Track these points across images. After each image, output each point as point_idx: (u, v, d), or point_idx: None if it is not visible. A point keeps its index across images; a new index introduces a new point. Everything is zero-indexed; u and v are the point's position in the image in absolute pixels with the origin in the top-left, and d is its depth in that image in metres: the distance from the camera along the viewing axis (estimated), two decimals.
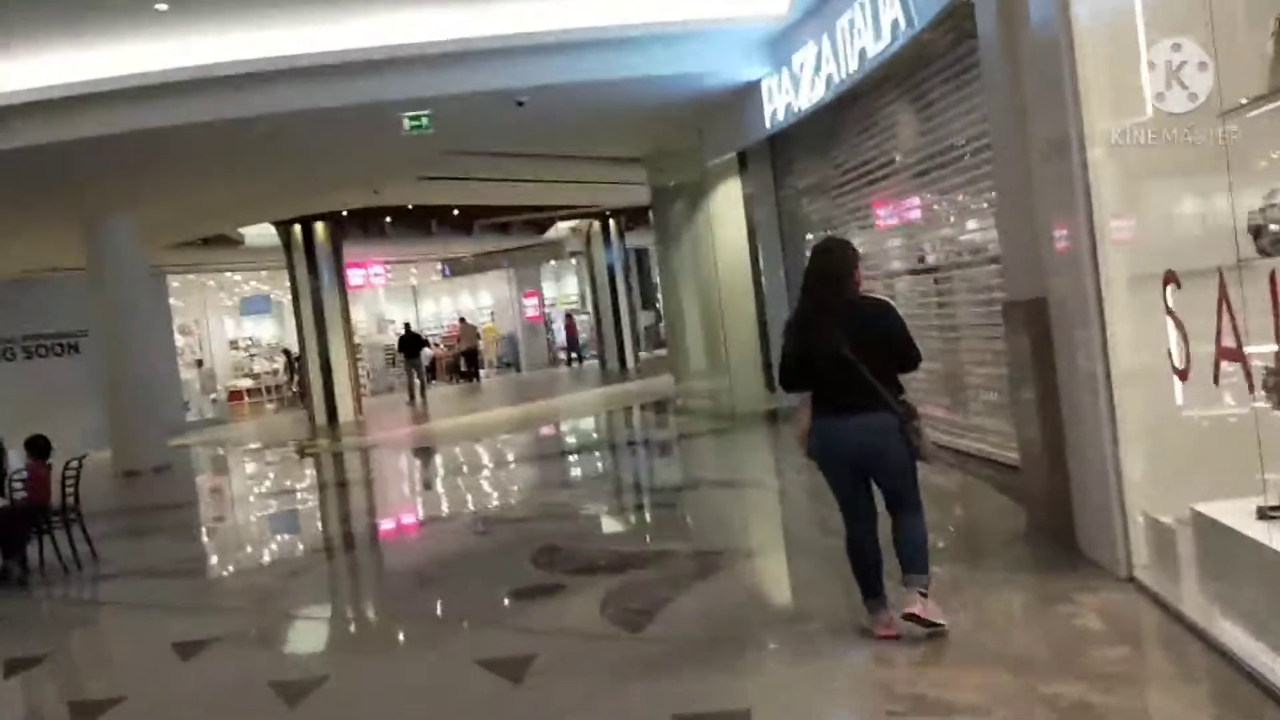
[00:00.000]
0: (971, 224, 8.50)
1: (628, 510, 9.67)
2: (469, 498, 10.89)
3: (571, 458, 13.26)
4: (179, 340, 28.14)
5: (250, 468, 16.71)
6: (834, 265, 4.65)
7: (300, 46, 9.88)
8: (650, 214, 17.75)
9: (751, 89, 11.51)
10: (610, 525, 8.74)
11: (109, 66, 9.85)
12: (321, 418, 20.86)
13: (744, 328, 14.77)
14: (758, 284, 14.24)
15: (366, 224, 23.27)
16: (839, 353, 4.41)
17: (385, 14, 9.80)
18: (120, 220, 15.26)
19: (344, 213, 19.82)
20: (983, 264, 8.30)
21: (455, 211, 21.44)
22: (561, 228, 28.12)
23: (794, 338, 4.63)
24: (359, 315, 34.12)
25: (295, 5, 9.51)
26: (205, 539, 10.51)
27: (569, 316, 32.14)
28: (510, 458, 13.80)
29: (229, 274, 28.43)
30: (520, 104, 10.95)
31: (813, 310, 4.60)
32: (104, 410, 16.07)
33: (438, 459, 14.76)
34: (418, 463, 14.83)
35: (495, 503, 10.37)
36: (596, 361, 28.54)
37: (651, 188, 16.85)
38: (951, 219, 8.88)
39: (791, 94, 10.55)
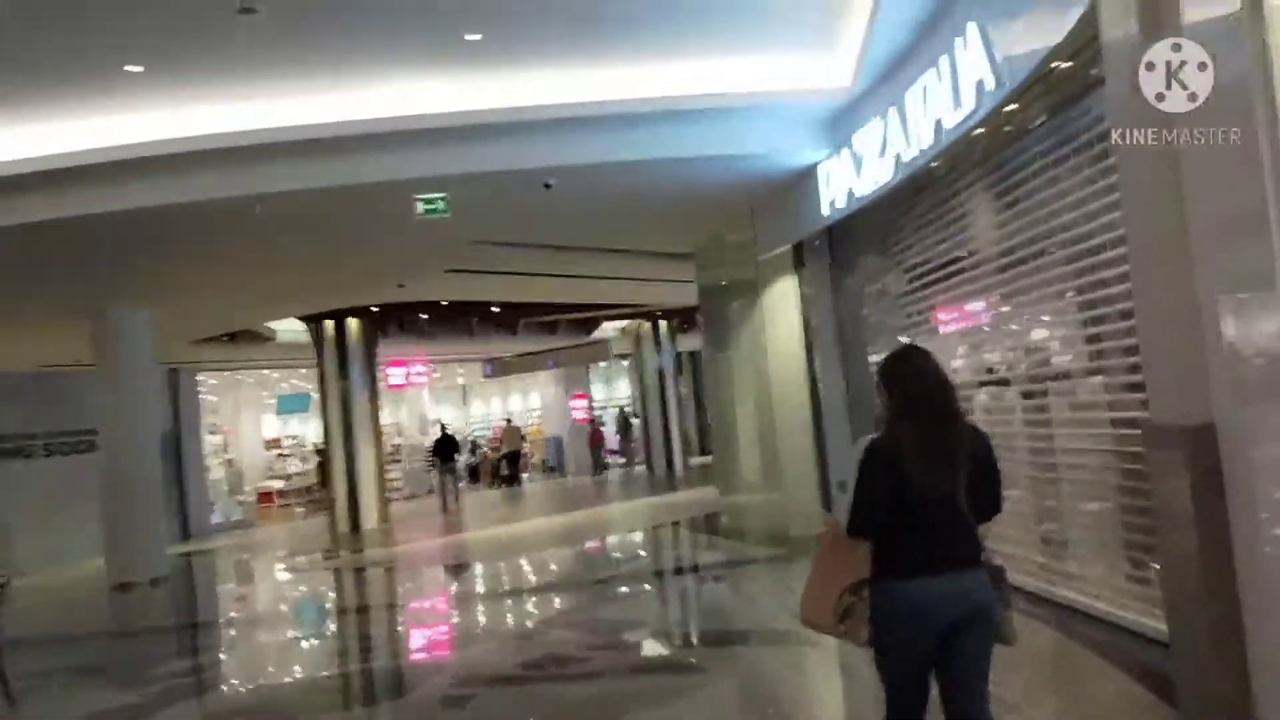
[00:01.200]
0: (1069, 331, 7.03)
1: (648, 673, 7.22)
2: (452, 650, 9.30)
3: (591, 592, 11.08)
4: (209, 440, 27.21)
5: (250, 586, 15.38)
6: (941, 378, 3.61)
7: (300, 118, 8.79)
8: (699, 314, 16.48)
9: (809, 173, 10.24)
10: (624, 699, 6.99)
11: (92, 138, 8.84)
12: (345, 524, 19.60)
13: (799, 440, 13.26)
14: (814, 393, 12.79)
15: (403, 321, 22.25)
16: (953, 494, 3.41)
17: (396, 83, 8.68)
18: (131, 314, 14.32)
19: (374, 309, 18.76)
20: (1082, 376, 6.83)
21: (495, 309, 20.32)
22: (609, 328, 26.95)
23: (886, 470, 3.43)
24: (401, 416, 33.24)
25: (296, 71, 8.43)
26: (156, 686, 8.02)
27: (593, 422, 30.64)
28: (522, 584, 12.28)
29: (266, 371, 27.52)
30: (548, 186, 9.76)
31: (923, 436, 3.45)
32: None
33: (442, 581, 13.33)
34: (421, 588, 13.36)
35: (486, 654, 8.68)
36: (644, 468, 27.08)
37: (700, 286, 15.60)
38: (1044, 324, 7.44)
39: (853, 177, 9.23)
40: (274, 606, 12.96)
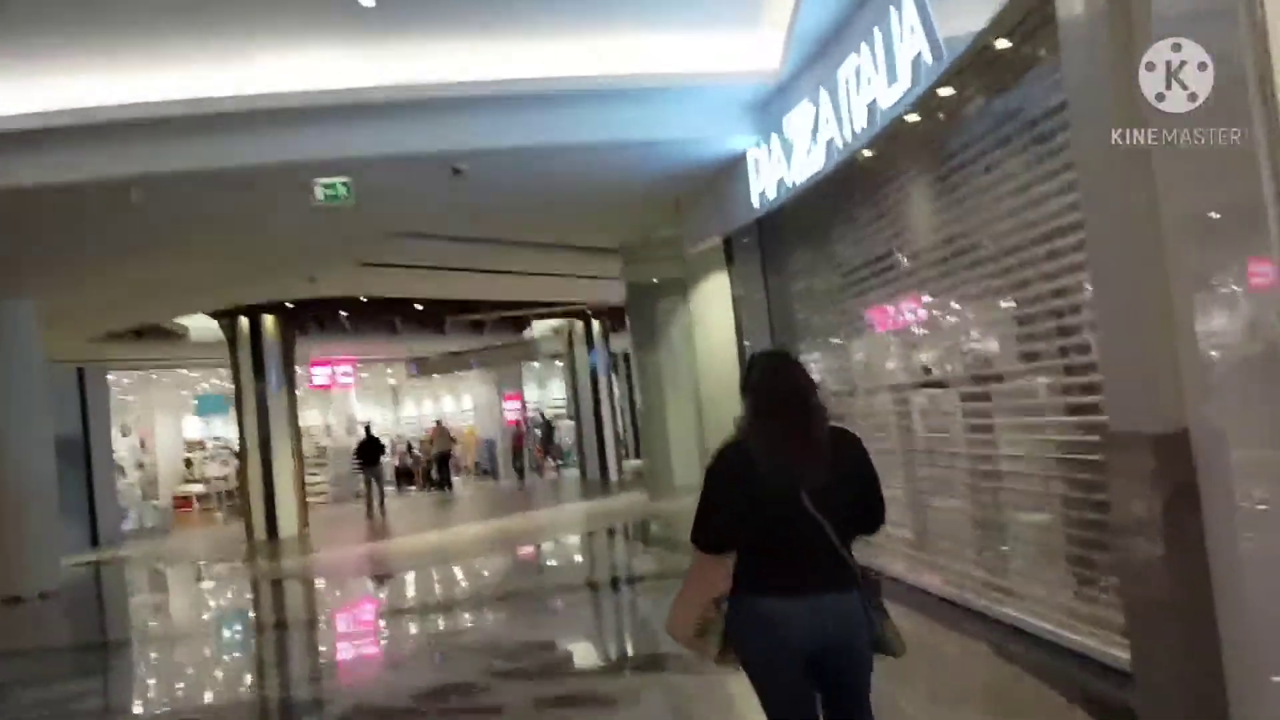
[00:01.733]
0: (1012, 329, 6.51)
1: (555, 707, 6.33)
2: (342, 676, 8.53)
3: (505, 609, 10.17)
4: (123, 442, 26.05)
5: (144, 600, 14.45)
6: (802, 380, 3.32)
7: (181, 91, 8.00)
8: (627, 313, 15.89)
9: (738, 162, 9.67)
10: None
11: None
12: (262, 531, 18.66)
13: None
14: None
15: (322, 319, 21.33)
16: (804, 504, 3.06)
17: (286, 55, 7.93)
18: (12, 305, 13.32)
19: (288, 305, 17.85)
20: (1026, 377, 6.31)
21: (419, 307, 19.48)
22: (541, 327, 26.22)
23: (733, 480, 3.14)
24: (328, 418, 32.22)
25: (176, 40, 7.65)
26: None
27: (517, 425, 29.87)
28: (432, 599, 11.53)
29: (184, 371, 26.37)
30: (457, 171, 9.07)
31: (772, 441, 3.14)
32: None
33: (351, 594, 12.58)
34: (327, 602, 12.55)
35: (379, 682, 7.94)
36: (578, 471, 26.39)
37: (627, 284, 15.05)
38: (985, 322, 6.92)
39: (783, 166, 8.66)
40: (163, 624, 12.11)
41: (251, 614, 12.11)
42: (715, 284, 13.06)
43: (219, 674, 8.89)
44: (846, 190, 8.46)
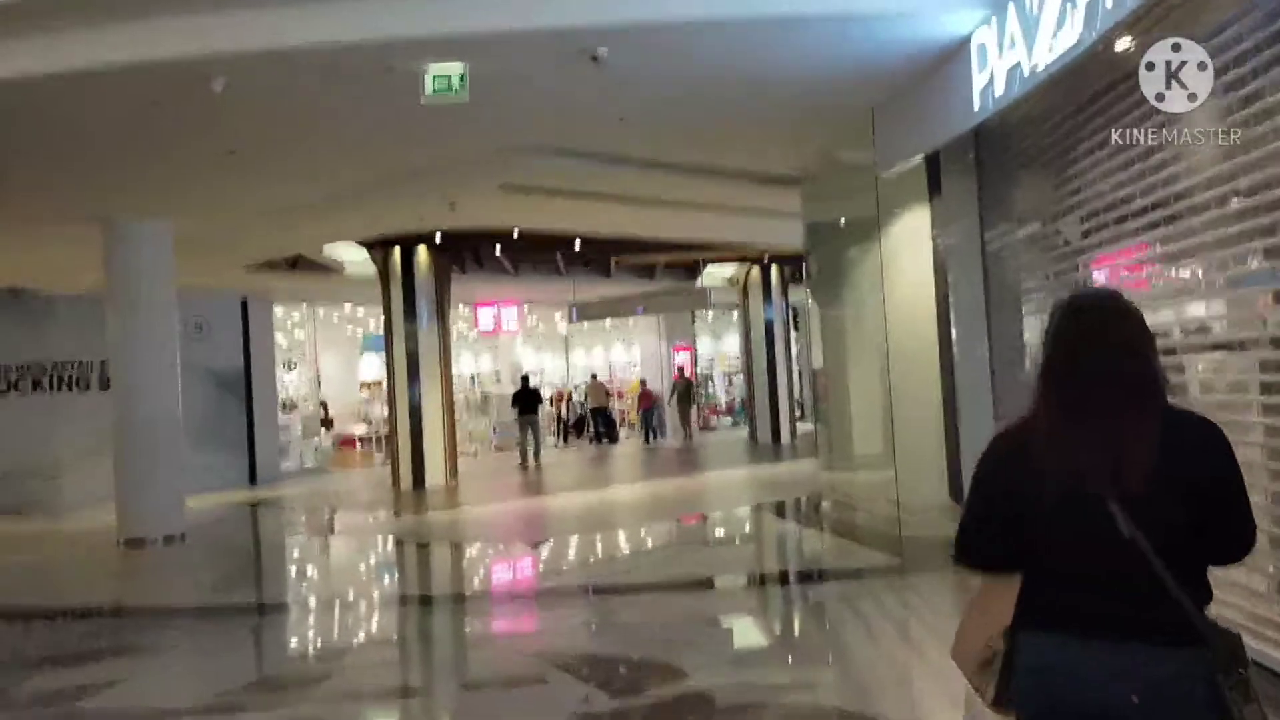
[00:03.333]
0: None
1: None
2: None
3: (620, 606, 8.32)
4: (289, 379, 25.70)
5: (271, 553, 13.43)
6: (1128, 338, 2.26)
7: None
8: (805, 259, 13.77)
9: (955, 52, 7.48)
10: None
11: None
12: (408, 479, 17.65)
13: (924, 417, 10.59)
14: (947, 360, 10.09)
15: (480, 255, 20.03)
16: (1114, 517, 2.13)
17: None
18: (145, 227, 12.43)
19: (437, 237, 16.53)
20: None
21: (577, 246, 17.87)
22: (715, 275, 24.29)
23: (1011, 479, 2.28)
24: (492, 364, 31.23)
25: None
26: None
27: (643, 383, 27.93)
28: (560, 580, 9.94)
29: (353, 307, 25.77)
30: (595, 59, 7.21)
31: (1070, 427, 2.21)
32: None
33: (479, 564, 11.12)
34: (453, 573, 11.16)
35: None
36: (747, 432, 24.53)
37: (806, 224, 12.91)
38: None
39: (1022, 48, 6.45)
40: (274, 586, 10.95)
41: (377, 581, 10.86)
42: (914, 222, 10.87)
43: (303, 658, 7.53)
44: (1105, 95, 6.24)
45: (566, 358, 35.94)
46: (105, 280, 12.72)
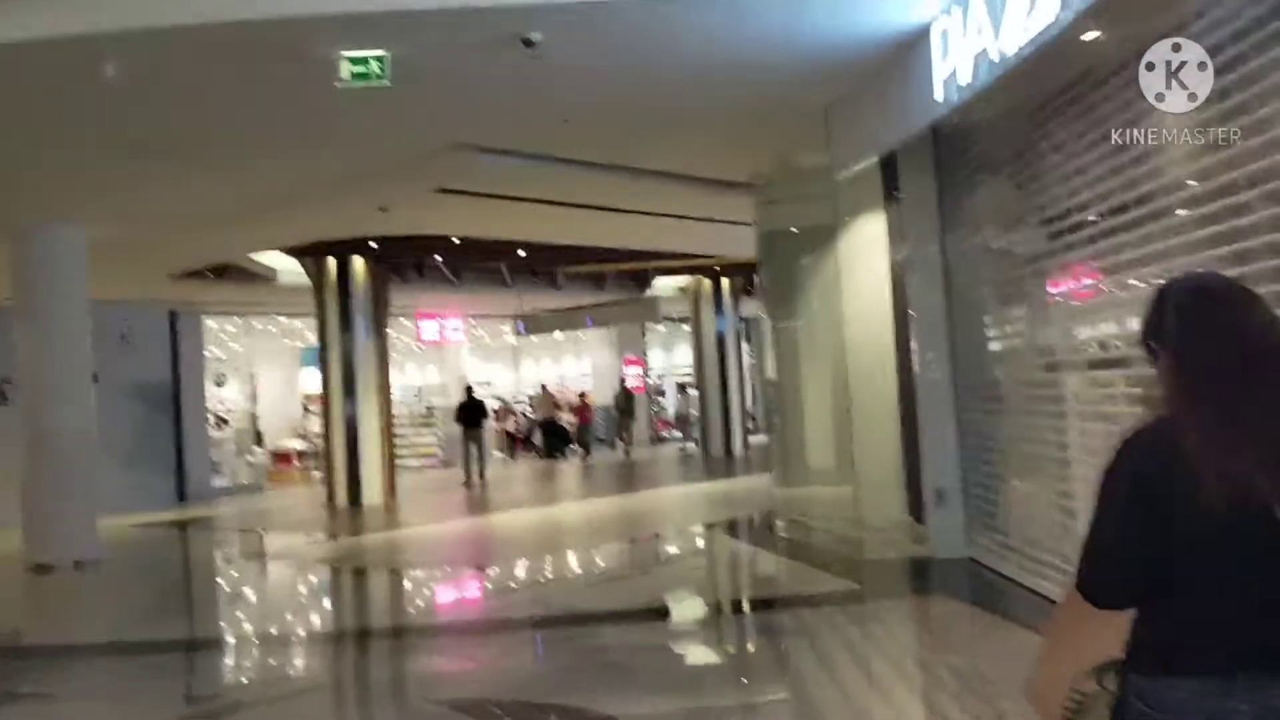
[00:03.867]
0: None
1: None
2: None
3: (565, 646, 7.41)
4: (222, 391, 24.75)
5: (185, 578, 12.60)
6: (1269, 323, 1.95)
7: None
8: (759, 269, 13.23)
9: (914, 41, 6.97)
10: None
11: None
12: (344, 497, 16.86)
13: (881, 429, 10.09)
14: (904, 369, 9.61)
15: (421, 265, 19.32)
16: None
17: None
18: (54, 229, 11.63)
19: (373, 244, 15.81)
20: None
21: (523, 253, 17.22)
22: (666, 286, 23.74)
23: (1149, 490, 1.88)
24: (437, 376, 30.29)
25: None
26: None
27: (582, 396, 27.36)
28: (494, 610, 9.23)
29: (288, 320, 24.83)
30: (529, 43, 6.61)
31: (1222, 427, 1.84)
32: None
33: (404, 590, 10.40)
34: (378, 599, 10.46)
35: None
36: (697, 445, 23.97)
37: (760, 233, 12.37)
38: None
39: (988, 32, 5.95)
40: (185, 620, 9.99)
41: (294, 608, 10.10)
42: (870, 227, 10.40)
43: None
44: (1075, 87, 5.78)
45: (516, 369, 35.17)
46: (10, 287, 11.88)
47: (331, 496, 16.99)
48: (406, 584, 10.87)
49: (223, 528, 16.17)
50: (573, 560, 11.20)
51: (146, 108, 7.80)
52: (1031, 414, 7.15)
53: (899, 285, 10.06)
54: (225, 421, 24.13)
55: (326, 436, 17.36)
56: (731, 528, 12.30)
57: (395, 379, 30.41)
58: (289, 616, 9.74)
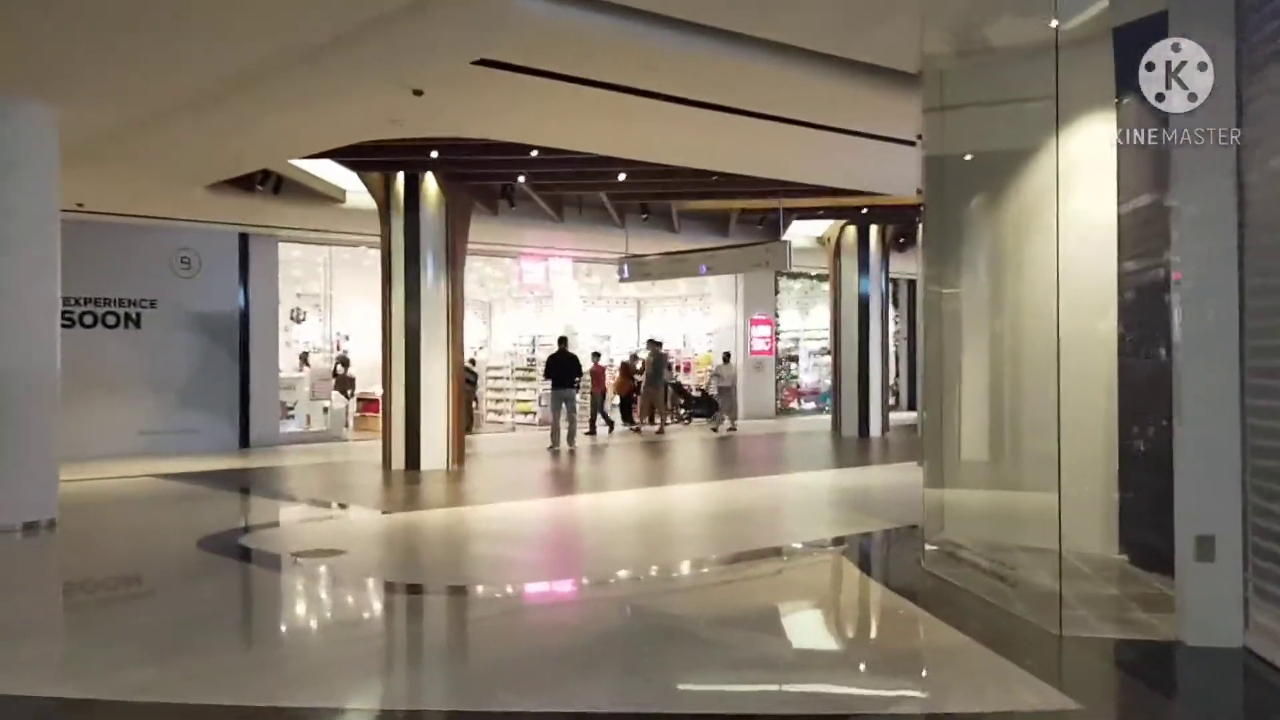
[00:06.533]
0: None
1: None
2: None
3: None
4: (291, 329, 22.58)
5: (151, 560, 9.94)
6: None
7: None
8: (921, 207, 9.57)
9: None
10: None
11: None
12: (401, 459, 14.32)
13: (1088, 428, 6.87)
14: (1140, 345, 6.30)
15: (510, 192, 16.44)
16: None
17: None
18: (19, 105, 9.27)
19: (433, 153, 12.96)
20: None
21: (621, 177, 14.12)
22: (801, 235, 20.36)
23: None
24: (547, 326, 27.58)
25: None
26: None
27: (634, 355, 23.88)
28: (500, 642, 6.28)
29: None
30: None
31: None
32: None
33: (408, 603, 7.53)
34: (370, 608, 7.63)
35: None
36: (830, 421, 20.66)
37: (926, 156, 8.75)
38: None
39: None
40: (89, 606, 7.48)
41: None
42: (1092, 135, 7.07)
43: None
44: None
45: (638, 323, 32.08)
46: None
47: (387, 459, 14.47)
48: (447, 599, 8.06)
49: (260, 485, 13.73)
50: (618, 592, 8.04)
51: None
52: None
53: (1144, 222, 6.76)
54: (306, 362, 21.98)
55: (385, 389, 14.80)
56: (863, 554, 8.97)
57: (498, 325, 28.01)
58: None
